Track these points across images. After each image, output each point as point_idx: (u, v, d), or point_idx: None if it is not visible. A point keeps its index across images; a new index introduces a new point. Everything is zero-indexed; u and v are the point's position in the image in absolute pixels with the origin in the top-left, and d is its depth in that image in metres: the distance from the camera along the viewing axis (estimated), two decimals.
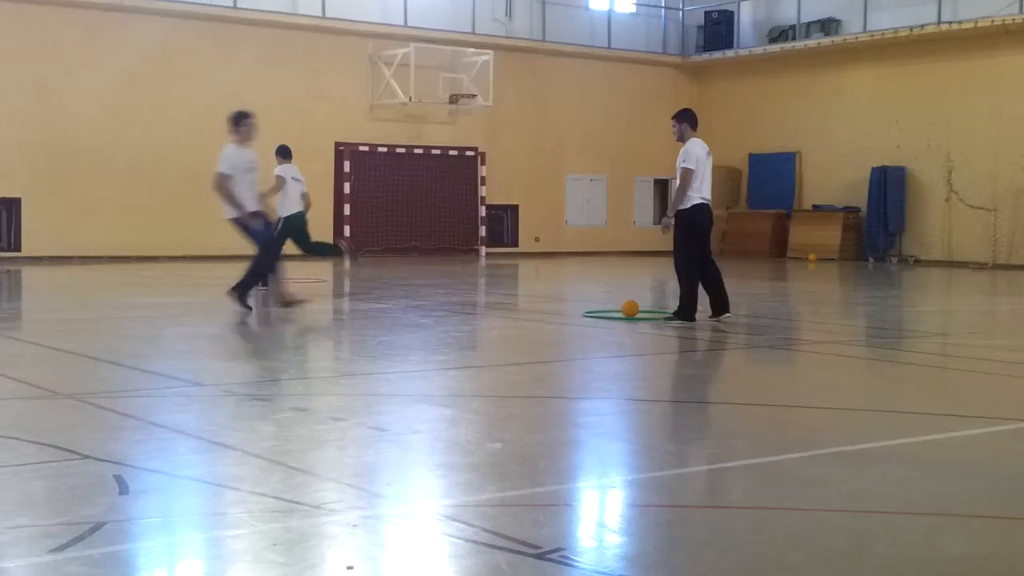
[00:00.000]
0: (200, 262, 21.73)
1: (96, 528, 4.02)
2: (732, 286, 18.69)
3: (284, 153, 14.99)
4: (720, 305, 11.56)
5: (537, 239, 27.67)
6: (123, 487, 4.62)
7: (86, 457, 5.12)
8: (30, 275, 18.71)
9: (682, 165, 11.38)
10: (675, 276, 11.76)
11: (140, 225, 22.30)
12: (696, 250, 11.46)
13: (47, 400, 6.84)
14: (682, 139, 11.62)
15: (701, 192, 11.39)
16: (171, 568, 3.83)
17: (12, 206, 21.45)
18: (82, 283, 17.61)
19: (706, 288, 11.57)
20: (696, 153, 11.38)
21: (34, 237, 21.55)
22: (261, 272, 12.17)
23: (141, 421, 6.11)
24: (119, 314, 12.43)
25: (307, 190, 15.05)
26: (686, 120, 11.71)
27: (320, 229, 24.74)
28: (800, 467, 5.25)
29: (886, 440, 5.86)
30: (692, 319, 11.29)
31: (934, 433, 6.13)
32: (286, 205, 14.72)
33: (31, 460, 5.14)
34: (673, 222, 11.43)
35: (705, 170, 11.44)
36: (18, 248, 21.52)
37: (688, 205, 11.33)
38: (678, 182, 11.44)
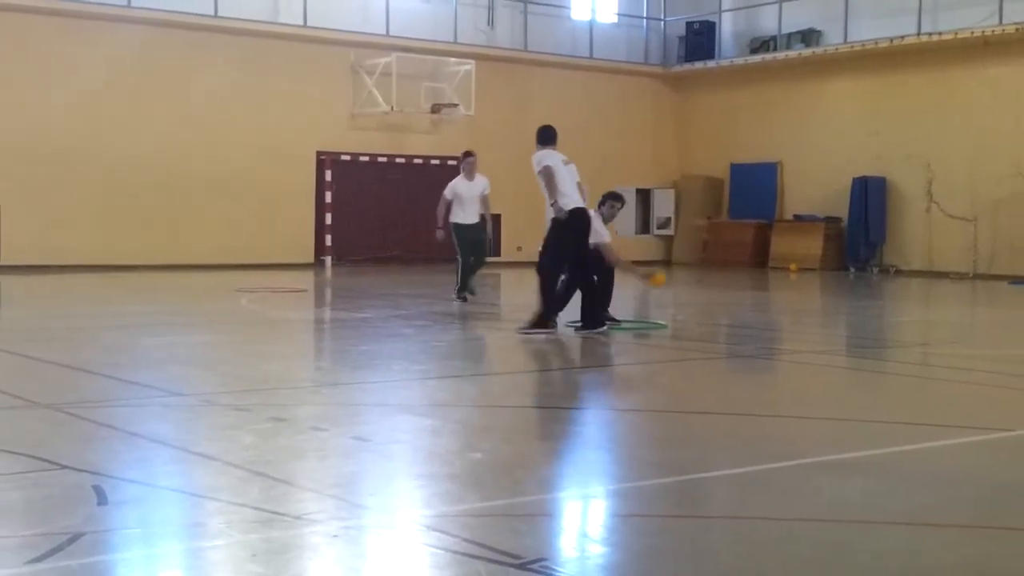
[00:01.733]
0: (179, 271, 21.64)
1: (74, 539, 3.99)
2: (714, 296, 18.72)
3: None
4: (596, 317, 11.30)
5: (519, 248, 27.63)
6: (101, 497, 4.59)
7: (64, 467, 5.09)
8: (7, 284, 18.60)
9: (538, 167, 11.10)
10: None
11: (119, 234, 22.16)
12: (567, 255, 11.28)
13: (24, 410, 6.80)
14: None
15: (574, 198, 11.21)
16: None
17: None
18: (60, 292, 17.52)
19: (587, 296, 11.37)
20: (553, 158, 11.19)
21: (11, 245, 21.41)
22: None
23: (120, 431, 6.08)
24: (97, 323, 12.36)
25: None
26: (537, 139, 11.48)
27: (302, 238, 24.79)
28: (780, 477, 5.26)
29: (866, 450, 5.88)
30: (555, 320, 11.17)
31: (913, 443, 6.15)
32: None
33: (8, 470, 5.10)
34: (566, 213, 11.07)
35: (569, 177, 11.25)
36: None
37: (566, 212, 11.07)
38: (543, 186, 11.10)
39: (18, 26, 21.36)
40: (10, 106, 21.24)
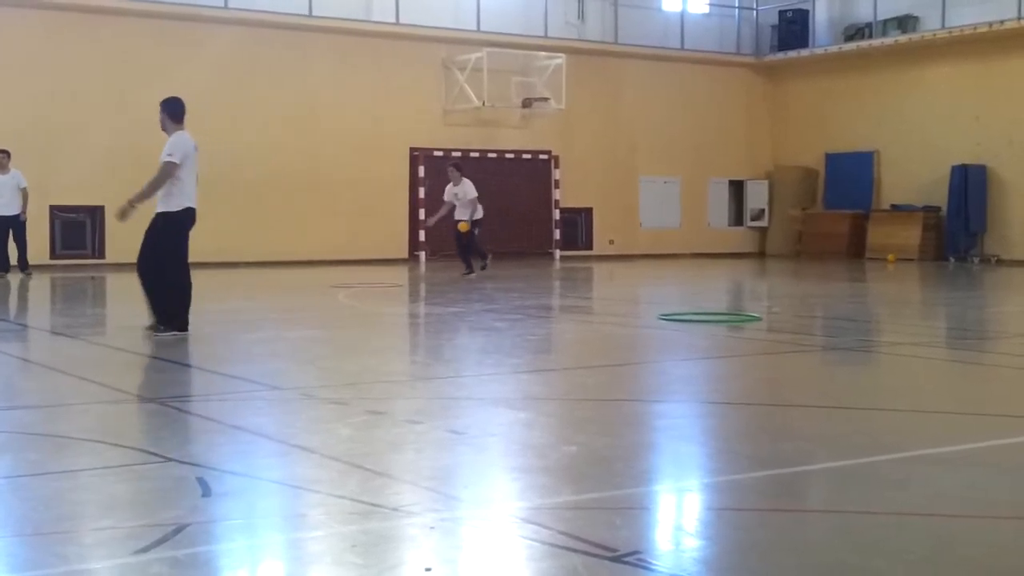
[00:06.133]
0: (277, 267, 21.97)
1: (179, 530, 4.08)
2: (810, 288, 18.43)
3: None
4: (172, 316, 10.30)
5: (611, 242, 27.59)
6: (205, 489, 4.69)
7: (169, 460, 5.21)
8: (114, 281, 19.06)
9: (166, 158, 10.29)
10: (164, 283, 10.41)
11: (218, 231, 22.51)
12: (185, 257, 10.48)
13: (130, 404, 6.97)
14: (165, 130, 10.55)
15: (192, 195, 10.42)
16: (253, 569, 3.88)
17: (96, 214, 21.86)
18: None
19: (166, 294, 10.38)
20: (185, 148, 10.36)
21: (118, 244, 21.90)
22: None
23: (222, 424, 6.19)
24: (198, 319, 12.56)
25: None
26: (166, 111, 10.45)
27: (396, 234, 25.00)
28: (881, 470, 5.17)
29: (969, 443, 5.76)
30: (186, 328, 10.32)
31: (1018, 436, 6.01)
32: None
33: (115, 463, 5.24)
34: (135, 211, 10.29)
35: (192, 170, 10.45)
36: (102, 255, 21.93)
37: (179, 208, 10.31)
38: (156, 174, 10.35)
39: (117, 30, 21.87)
40: (113, 108, 21.75)
